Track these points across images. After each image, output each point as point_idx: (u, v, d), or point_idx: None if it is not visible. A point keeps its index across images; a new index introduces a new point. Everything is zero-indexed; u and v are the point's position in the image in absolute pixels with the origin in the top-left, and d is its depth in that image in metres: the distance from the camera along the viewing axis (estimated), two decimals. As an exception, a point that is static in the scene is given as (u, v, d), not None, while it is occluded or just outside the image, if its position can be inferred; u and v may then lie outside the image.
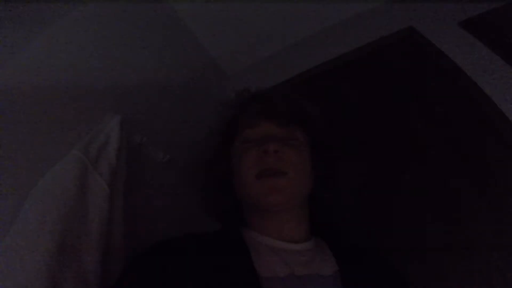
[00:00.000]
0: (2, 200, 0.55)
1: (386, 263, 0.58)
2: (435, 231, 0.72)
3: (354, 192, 0.68)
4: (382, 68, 0.96)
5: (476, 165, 0.74)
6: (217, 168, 0.63)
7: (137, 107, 0.82)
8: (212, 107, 0.69)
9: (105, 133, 0.69)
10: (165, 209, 0.79)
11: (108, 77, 0.78)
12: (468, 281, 0.65)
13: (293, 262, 0.50)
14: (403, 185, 0.80)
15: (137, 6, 0.87)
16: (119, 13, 0.82)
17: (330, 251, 0.56)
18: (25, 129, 0.62)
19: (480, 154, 0.75)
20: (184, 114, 0.91)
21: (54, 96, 0.67)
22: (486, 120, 0.77)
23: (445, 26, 0.91)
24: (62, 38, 0.72)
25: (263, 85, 0.71)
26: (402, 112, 0.88)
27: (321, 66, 1.04)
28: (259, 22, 1.10)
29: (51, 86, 0.68)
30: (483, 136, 0.76)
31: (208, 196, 0.64)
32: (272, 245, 0.53)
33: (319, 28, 1.12)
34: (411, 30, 0.95)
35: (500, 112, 0.74)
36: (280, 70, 1.11)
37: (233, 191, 0.61)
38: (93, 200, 0.62)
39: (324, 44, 1.09)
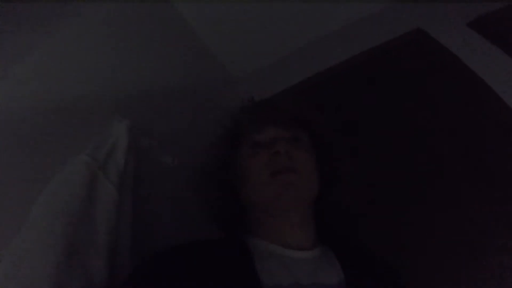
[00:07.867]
0: (10, 202, 0.56)
1: (392, 270, 0.58)
2: (445, 232, 0.71)
3: (359, 195, 0.68)
4: (390, 71, 0.95)
5: (485, 168, 0.73)
6: (222, 174, 0.63)
7: (145, 111, 0.82)
8: (220, 111, 0.70)
9: (114, 138, 0.70)
10: (173, 214, 0.79)
11: (115, 81, 0.79)
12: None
13: (298, 271, 0.50)
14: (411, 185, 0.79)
15: (143, 9, 0.87)
16: (125, 17, 0.83)
17: (336, 259, 0.56)
18: (32, 133, 0.63)
19: (491, 157, 0.74)
20: (193, 118, 0.92)
21: (61, 100, 0.69)
22: (498, 122, 0.75)
23: (453, 27, 0.90)
24: (67, 45, 0.73)
25: (271, 89, 0.72)
26: (411, 115, 0.87)
27: (328, 71, 1.04)
28: (267, 26, 1.10)
29: (58, 91, 0.69)
30: (494, 139, 0.75)
31: (213, 203, 0.64)
32: (277, 253, 0.53)
33: (324, 31, 1.12)
34: (418, 32, 0.94)
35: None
36: (286, 75, 1.11)
37: (238, 197, 0.61)
38: (101, 204, 0.62)
39: (331, 48, 1.08)
